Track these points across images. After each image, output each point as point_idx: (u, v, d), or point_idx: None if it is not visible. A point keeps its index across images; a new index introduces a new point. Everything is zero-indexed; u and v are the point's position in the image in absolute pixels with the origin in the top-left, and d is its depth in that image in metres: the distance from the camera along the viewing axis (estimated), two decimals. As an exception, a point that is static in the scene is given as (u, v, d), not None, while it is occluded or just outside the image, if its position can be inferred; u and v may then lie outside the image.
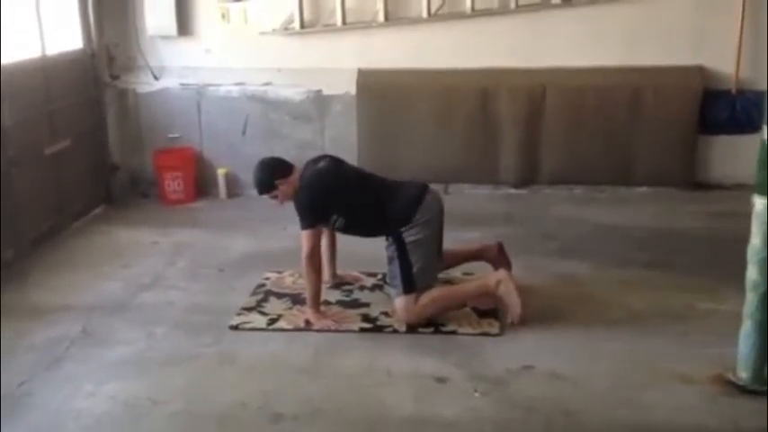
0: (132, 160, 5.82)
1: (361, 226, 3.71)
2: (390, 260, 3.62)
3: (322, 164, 3.74)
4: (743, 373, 2.99)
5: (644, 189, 5.49)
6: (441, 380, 3.15)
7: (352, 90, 5.55)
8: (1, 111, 4.33)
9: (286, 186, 3.66)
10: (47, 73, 4.90)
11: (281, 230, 4.67)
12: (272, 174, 3.69)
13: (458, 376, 3.17)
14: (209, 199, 5.73)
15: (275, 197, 3.71)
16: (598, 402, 2.97)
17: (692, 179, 5.46)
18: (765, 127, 2.83)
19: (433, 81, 5.49)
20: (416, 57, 5.48)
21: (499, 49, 5.41)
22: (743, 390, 2.97)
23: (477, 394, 3.04)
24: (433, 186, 3.85)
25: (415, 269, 3.55)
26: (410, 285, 3.54)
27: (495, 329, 3.56)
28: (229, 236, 4.90)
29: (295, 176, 3.67)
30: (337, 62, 5.54)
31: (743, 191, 5.15)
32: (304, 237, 3.56)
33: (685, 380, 3.08)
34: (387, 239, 3.64)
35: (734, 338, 3.04)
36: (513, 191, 5.58)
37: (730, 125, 5.32)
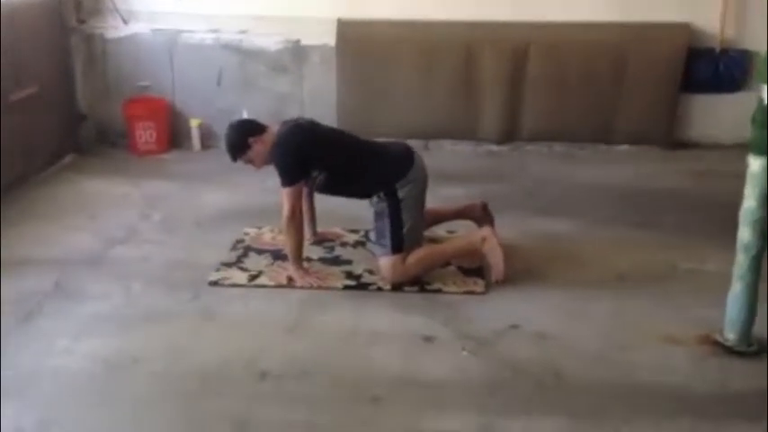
0: (101, 109, 5.59)
1: (346, 183, 3.57)
2: (379, 217, 3.51)
3: (300, 120, 3.66)
4: (730, 335, 2.99)
5: (624, 147, 5.45)
6: (428, 338, 3.10)
7: (332, 41, 5.37)
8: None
9: (260, 145, 3.52)
10: (11, 17, 4.63)
11: (259, 184, 4.54)
12: (242, 133, 3.56)
13: (445, 335, 3.13)
14: (181, 151, 5.55)
15: (250, 161, 3.58)
16: (587, 363, 2.94)
17: (672, 138, 5.43)
18: (764, 86, 2.77)
19: (416, 34, 5.33)
20: (398, 7, 5.30)
21: (483, 0, 5.28)
22: (730, 351, 2.97)
23: (465, 353, 3.00)
24: (413, 142, 3.75)
25: (405, 228, 3.47)
26: (399, 245, 3.47)
27: (480, 288, 3.51)
28: (205, 189, 4.76)
29: (269, 134, 3.54)
30: (316, 11, 5.33)
31: (722, 150, 5.19)
32: (285, 195, 3.44)
33: (672, 340, 3.07)
34: (377, 196, 3.52)
35: (717, 299, 3.04)
36: (494, 147, 5.50)
37: (713, 84, 5.27)
